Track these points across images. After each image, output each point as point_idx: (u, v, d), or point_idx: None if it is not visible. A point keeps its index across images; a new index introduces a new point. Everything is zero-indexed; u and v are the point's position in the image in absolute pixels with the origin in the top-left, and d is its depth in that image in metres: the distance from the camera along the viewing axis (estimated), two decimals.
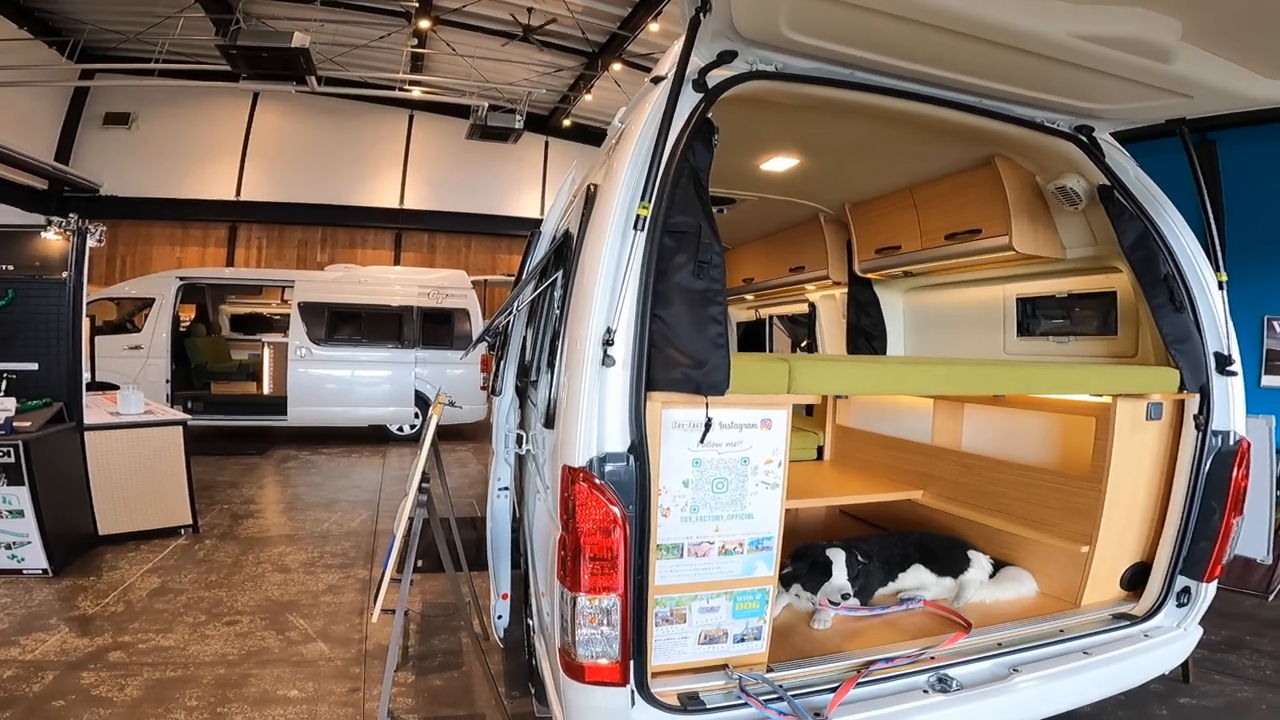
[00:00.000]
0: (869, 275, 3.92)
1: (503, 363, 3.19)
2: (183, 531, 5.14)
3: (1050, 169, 2.71)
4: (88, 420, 4.74)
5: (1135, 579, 2.60)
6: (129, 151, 14.01)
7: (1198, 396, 2.44)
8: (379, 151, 15.69)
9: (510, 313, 2.90)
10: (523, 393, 2.99)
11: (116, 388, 6.19)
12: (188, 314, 11.02)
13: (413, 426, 9.78)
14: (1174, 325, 2.42)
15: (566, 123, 15.28)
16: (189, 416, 5.39)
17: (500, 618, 3.13)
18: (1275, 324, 6.16)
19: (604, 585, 1.73)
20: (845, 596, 2.47)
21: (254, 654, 3.38)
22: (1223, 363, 2.46)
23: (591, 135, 15.00)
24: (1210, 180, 5.92)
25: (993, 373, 2.46)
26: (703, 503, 1.95)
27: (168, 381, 8.75)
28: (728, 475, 1.96)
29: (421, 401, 9.62)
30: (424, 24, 10.97)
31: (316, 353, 9.12)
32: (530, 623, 2.71)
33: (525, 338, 3.19)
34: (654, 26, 10.39)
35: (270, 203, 14.95)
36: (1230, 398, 2.46)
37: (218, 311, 12.06)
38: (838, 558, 2.54)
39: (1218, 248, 2.41)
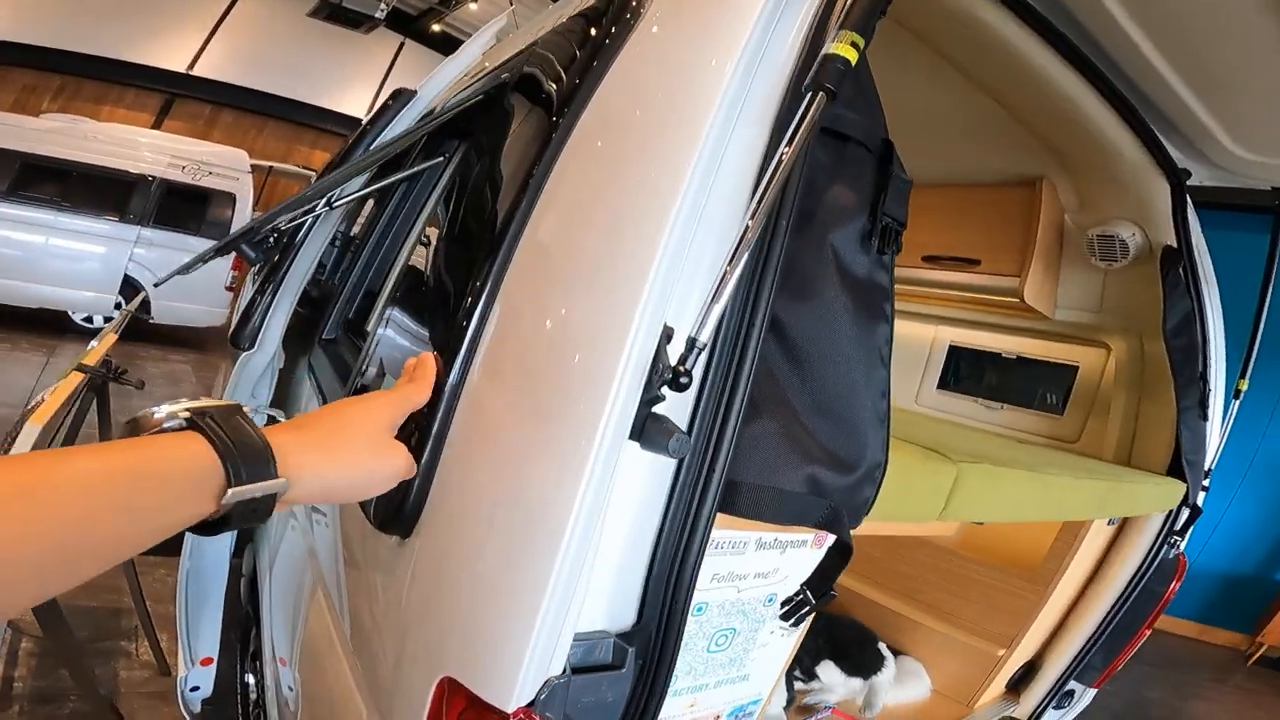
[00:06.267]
0: None
1: (272, 295, 1.90)
2: None
3: (1102, 209, 2.17)
4: None
5: (1023, 679, 2.35)
6: None
7: (1187, 512, 2.12)
8: (185, 8, 11.89)
9: (315, 209, 1.62)
10: (295, 352, 1.87)
11: None
12: None
13: (108, 319, 7.41)
14: (1194, 434, 2.06)
15: (436, 27, 12.74)
16: None
17: (196, 689, 2.07)
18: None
19: None
20: None
21: None
22: (1205, 477, 2.18)
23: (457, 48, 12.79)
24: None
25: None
26: (687, 670, 1.06)
27: None
28: (738, 624, 1.09)
29: (132, 289, 7.34)
30: None
31: None
32: (255, 697, 1.80)
33: (339, 260, 1.98)
34: None
35: None
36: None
37: None
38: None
39: (1255, 350, 2.06)
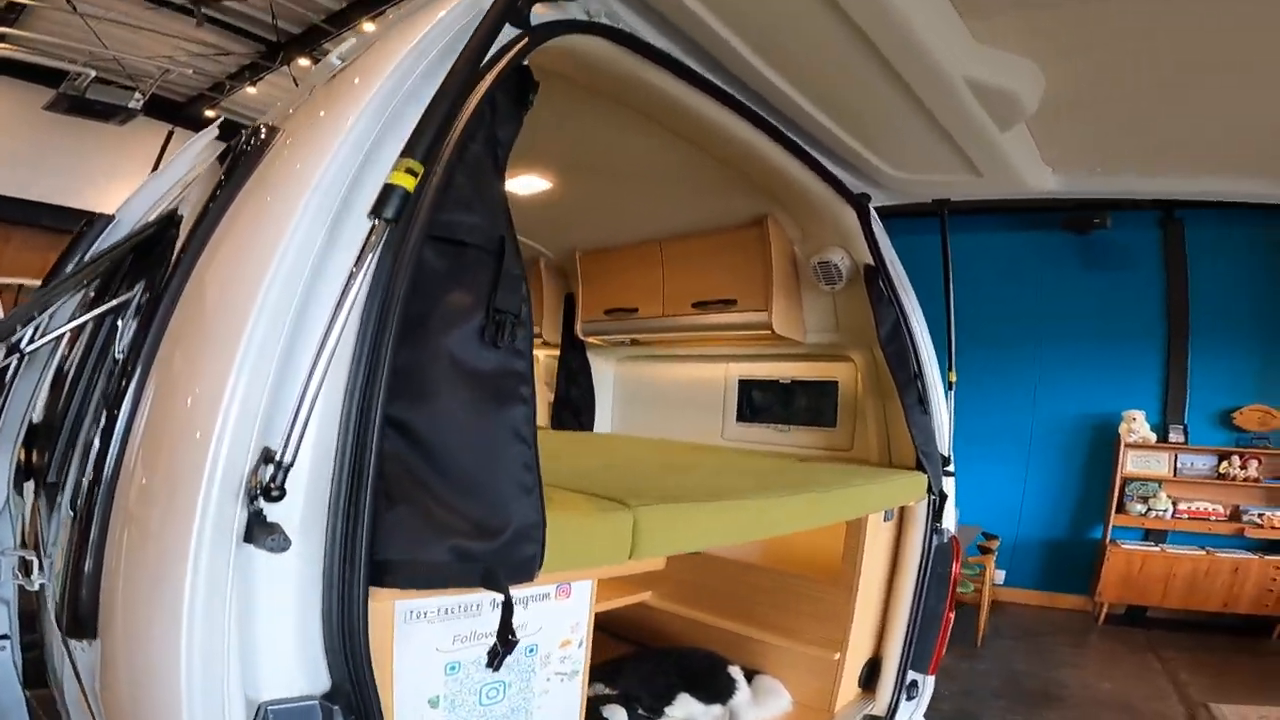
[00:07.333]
0: (589, 339, 3.38)
1: None
2: None
3: (817, 239, 2.48)
4: None
5: (870, 676, 2.48)
6: None
7: (937, 499, 2.38)
8: None
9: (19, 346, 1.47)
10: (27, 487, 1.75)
11: None
12: None
13: None
14: (923, 428, 2.33)
15: (211, 113, 11.57)
16: None
17: None
18: None
19: None
20: None
21: None
22: (945, 464, 2.47)
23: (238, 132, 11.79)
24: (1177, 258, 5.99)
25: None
26: None
27: None
28: (506, 677, 1.14)
29: None
30: None
31: None
32: None
33: (48, 396, 1.88)
34: (369, 26, 8.45)
35: None
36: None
37: None
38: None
39: (954, 343, 2.42)
